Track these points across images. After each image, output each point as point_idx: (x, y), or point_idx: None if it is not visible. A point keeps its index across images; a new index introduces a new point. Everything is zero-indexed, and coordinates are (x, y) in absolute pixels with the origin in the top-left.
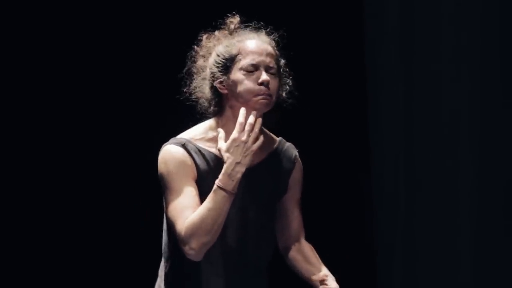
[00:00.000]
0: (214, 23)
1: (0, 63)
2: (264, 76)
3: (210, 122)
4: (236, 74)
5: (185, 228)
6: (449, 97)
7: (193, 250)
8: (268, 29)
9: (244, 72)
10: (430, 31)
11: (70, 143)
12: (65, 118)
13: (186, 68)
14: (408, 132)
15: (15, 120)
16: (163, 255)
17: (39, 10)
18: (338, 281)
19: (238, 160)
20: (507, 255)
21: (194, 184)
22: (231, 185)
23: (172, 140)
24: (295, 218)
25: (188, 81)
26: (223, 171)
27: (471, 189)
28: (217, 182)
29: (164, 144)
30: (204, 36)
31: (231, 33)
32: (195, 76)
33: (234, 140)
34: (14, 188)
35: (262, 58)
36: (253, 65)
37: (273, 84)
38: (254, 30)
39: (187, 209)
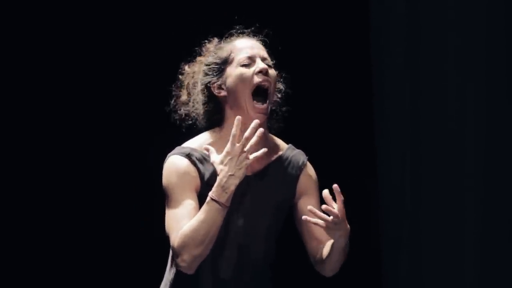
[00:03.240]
0: (194, 50)
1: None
2: (261, 65)
3: (213, 131)
4: (233, 70)
5: (178, 239)
6: (455, 97)
7: (185, 262)
8: (249, 32)
9: (241, 66)
10: (436, 30)
11: (71, 146)
12: (66, 121)
13: (172, 101)
14: (414, 132)
15: (13, 125)
16: (169, 261)
17: (32, 14)
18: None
19: (232, 173)
20: None
21: (195, 196)
22: (224, 198)
23: (176, 149)
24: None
25: (177, 112)
26: (216, 183)
27: (477, 188)
28: (210, 194)
29: (169, 154)
30: (186, 66)
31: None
32: (189, 97)
33: (228, 153)
34: (14, 190)
35: (256, 50)
36: (248, 57)
37: (272, 73)
38: (236, 36)
39: (183, 221)
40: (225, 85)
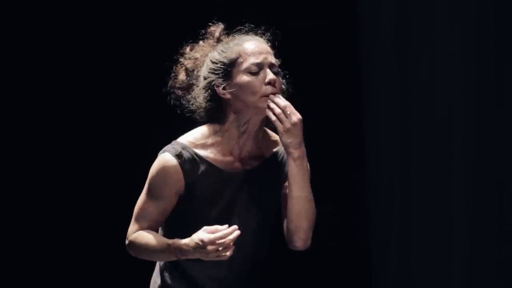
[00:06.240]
0: (197, 33)
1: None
2: (270, 75)
3: (212, 127)
4: (241, 77)
5: (130, 239)
6: (443, 94)
7: (131, 253)
8: (258, 30)
9: (249, 74)
10: (425, 29)
11: (69, 145)
12: (65, 120)
13: (170, 82)
14: (403, 128)
15: (12, 125)
16: None
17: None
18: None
19: (191, 254)
20: (502, 251)
21: (171, 199)
22: (179, 254)
23: (171, 145)
24: None
25: (175, 94)
26: (181, 243)
27: (466, 186)
28: (171, 242)
29: (163, 149)
30: (188, 48)
31: (217, 41)
32: (191, 87)
33: (202, 241)
34: (13, 191)
35: (264, 56)
36: (257, 65)
37: (279, 82)
38: (244, 33)
39: (147, 219)
40: (230, 88)
